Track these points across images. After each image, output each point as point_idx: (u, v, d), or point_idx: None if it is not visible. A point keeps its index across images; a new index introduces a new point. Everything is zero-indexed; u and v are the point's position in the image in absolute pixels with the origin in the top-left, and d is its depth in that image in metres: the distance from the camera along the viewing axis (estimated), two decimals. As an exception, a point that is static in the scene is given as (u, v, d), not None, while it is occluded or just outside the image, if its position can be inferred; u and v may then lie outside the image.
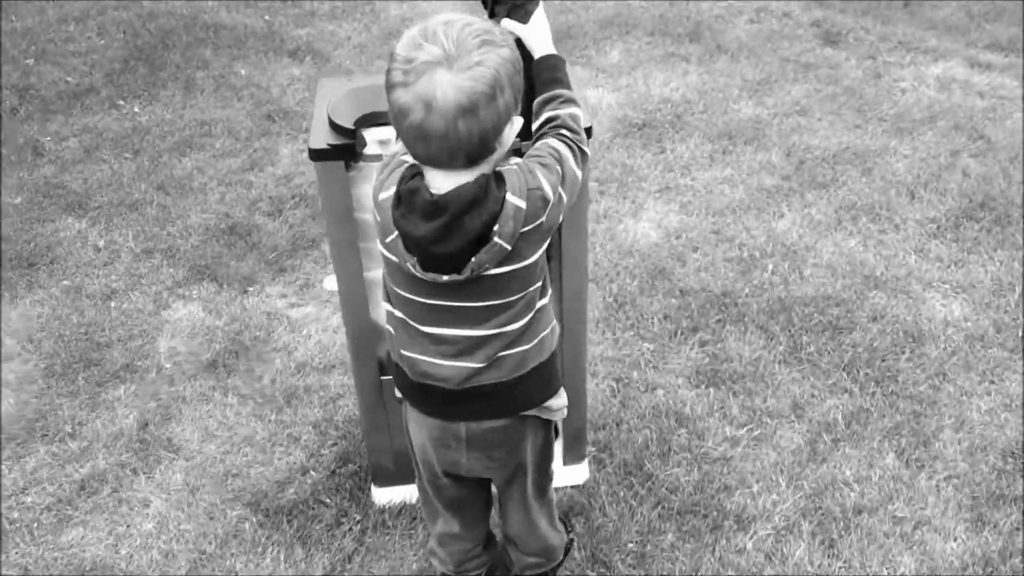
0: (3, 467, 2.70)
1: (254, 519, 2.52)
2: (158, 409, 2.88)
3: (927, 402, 2.81)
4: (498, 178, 1.59)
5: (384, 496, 2.56)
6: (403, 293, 1.73)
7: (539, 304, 1.77)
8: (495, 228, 1.57)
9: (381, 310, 2.30)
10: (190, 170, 4.05)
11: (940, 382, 2.88)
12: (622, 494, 2.54)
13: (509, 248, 1.60)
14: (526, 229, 1.61)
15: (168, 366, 3.04)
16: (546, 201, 1.63)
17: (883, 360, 2.95)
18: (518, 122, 1.59)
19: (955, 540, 2.43)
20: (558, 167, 1.67)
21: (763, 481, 2.58)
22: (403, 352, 1.79)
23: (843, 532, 2.45)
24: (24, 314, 3.30)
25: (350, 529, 2.49)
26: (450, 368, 1.75)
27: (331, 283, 2.48)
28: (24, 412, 2.89)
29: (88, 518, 2.56)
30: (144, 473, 2.68)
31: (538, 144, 1.73)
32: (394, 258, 1.66)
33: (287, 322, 3.20)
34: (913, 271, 3.33)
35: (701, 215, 3.65)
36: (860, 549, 2.40)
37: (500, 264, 1.62)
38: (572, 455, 2.58)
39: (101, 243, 3.63)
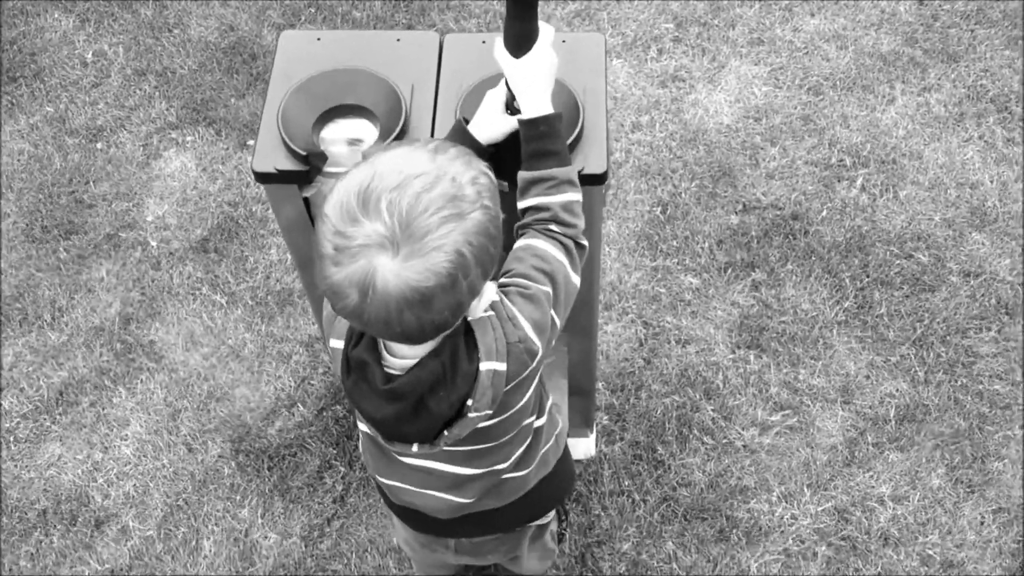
0: (-17, 353, 2.57)
1: (234, 462, 2.38)
2: (142, 302, 2.64)
3: (999, 404, 2.42)
4: (469, 340, 1.21)
5: (372, 449, 2.38)
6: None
7: (535, 426, 1.48)
8: (469, 403, 1.24)
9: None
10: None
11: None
12: (626, 484, 2.32)
13: (491, 412, 1.28)
14: (510, 387, 1.27)
15: (154, 244, 2.75)
16: (533, 354, 1.27)
17: (964, 337, 2.52)
18: (490, 290, 1.19)
19: (985, 586, 2.20)
20: (547, 288, 1.28)
21: (786, 485, 2.32)
22: (381, 480, 1.51)
23: (861, 566, 2.22)
24: (4, 146, 2.97)
25: (333, 486, 2.34)
26: (438, 500, 1.48)
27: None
28: (2, 286, 2.69)
29: (66, 433, 2.45)
30: (124, 386, 2.51)
31: (520, 248, 1.32)
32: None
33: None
34: (1032, 206, 2.75)
35: (792, 89, 3.00)
36: (876, 582, 2.20)
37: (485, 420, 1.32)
38: (580, 423, 2.32)
39: (89, 55, 3.17)
